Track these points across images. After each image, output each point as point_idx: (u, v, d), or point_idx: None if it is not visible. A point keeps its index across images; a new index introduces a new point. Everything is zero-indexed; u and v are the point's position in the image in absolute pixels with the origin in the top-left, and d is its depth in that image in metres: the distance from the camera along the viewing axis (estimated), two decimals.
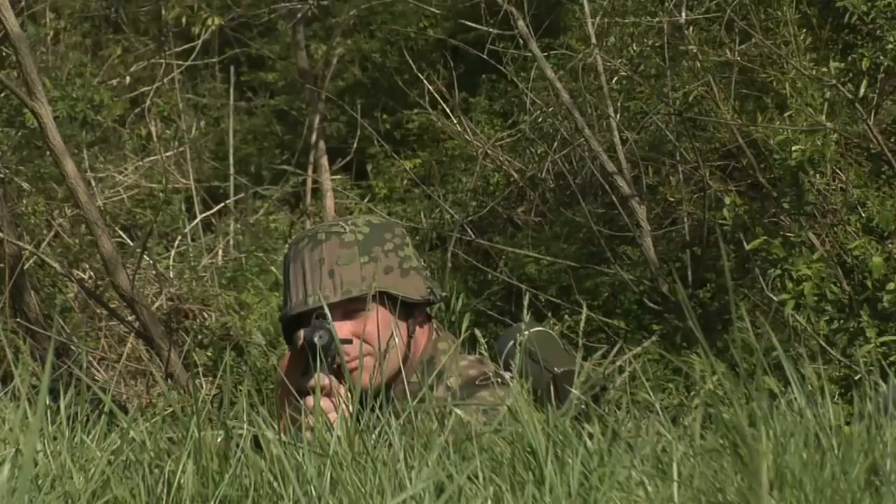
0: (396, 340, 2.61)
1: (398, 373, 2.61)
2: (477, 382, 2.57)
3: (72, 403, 2.14)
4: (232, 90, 9.75)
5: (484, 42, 7.20)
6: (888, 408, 2.41)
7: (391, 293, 2.61)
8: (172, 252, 8.38)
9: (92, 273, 7.68)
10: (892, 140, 5.62)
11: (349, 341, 2.56)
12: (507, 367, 2.61)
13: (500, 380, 2.53)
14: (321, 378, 2.43)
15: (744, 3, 5.83)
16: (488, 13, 7.00)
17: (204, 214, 8.81)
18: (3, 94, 7.69)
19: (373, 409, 2.12)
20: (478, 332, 2.76)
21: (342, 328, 2.56)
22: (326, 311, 2.42)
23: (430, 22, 9.45)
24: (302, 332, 2.50)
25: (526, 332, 2.61)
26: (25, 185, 7.84)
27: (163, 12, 9.53)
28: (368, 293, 2.58)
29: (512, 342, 2.64)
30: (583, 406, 2.10)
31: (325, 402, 2.42)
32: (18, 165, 7.90)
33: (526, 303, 2.51)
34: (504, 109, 8.99)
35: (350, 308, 2.58)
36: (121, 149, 9.11)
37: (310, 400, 2.43)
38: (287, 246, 2.88)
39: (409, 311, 2.65)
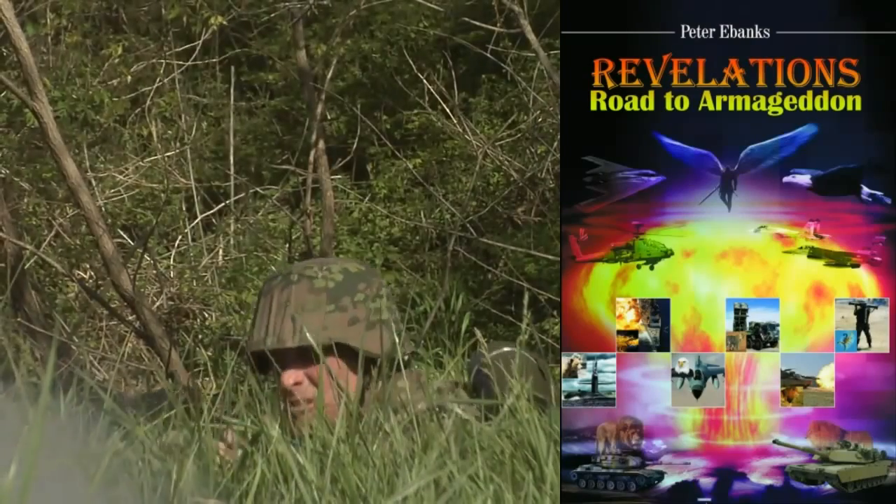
0: (348, 391, 2.55)
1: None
2: None
3: (73, 403, 2.15)
4: (232, 90, 9.75)
5: (484, 41, 7.20)
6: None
7: (350, 345, 2.57)
8: (173, 252, 8.38)
9: (93, 273, 7.68)
10: None
11: (298, 384, 2.55)
12: (476, 388, 2.57)
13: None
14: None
15: None
16: (490, 12, 7.00)
17: (204, 214, 8.81)
18: (3, 94, 7.69)
19: None
20: (478, 332, 2.75)
21: (293, 374, 2.56)
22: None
23: (430, 22, 9.45)
24: None
25: (492, 354, 2.55)
26: (26, 185, 7.84)
27: (163, 12, 9.53)
28: (324, 342, 2.52)
29: (475, 367, 2.59)
30: None
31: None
32: (19, 165, 7.90)
33: (526, 302, 2.50)
34: (504, 109, 8.99)
35: (307, 353, 2.54)
36: (121, 149, 9.11)
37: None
38: (264, 279, 2.86)
39: (369, 364, 2.58)
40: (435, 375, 2.64)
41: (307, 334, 2.54)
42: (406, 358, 2.64)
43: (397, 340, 2.62)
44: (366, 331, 2.60)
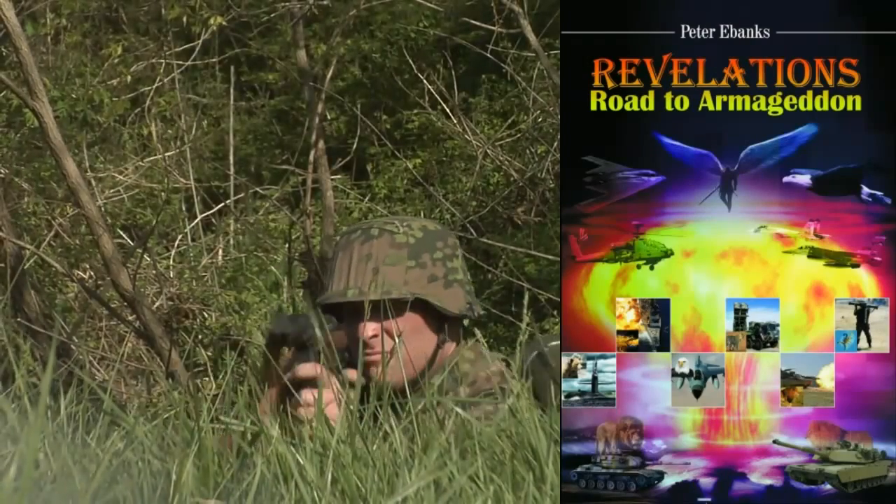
0: (424, 347, 2.63)
1: (418, 379, 2.62)
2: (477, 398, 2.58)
3: (72, 403, 2.15)
4: (232, 90, 9.75)
5: (483, 42, 7.20)
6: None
7: (429, 302, 2.62)
8: (172, 252, 8.38)
9: (92, 273, 7.68)
10: None
11: (376, 336, 2.59)
12: (529, 378, 2.62)
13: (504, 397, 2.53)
14: (311, 368, 2.44)
15: None
16: (490, 12, 7.00)
17: (204, 214, 8.81)
18: (3, 94, 7.70)
19: (392, 407, 2.13)
20: (478, 332, 2.76)
21: (372, 326, 2.59)
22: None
23: (430, 22, 9.45)
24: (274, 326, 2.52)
25: (548, 346, 2.61)
26: (25, 185, 7.84)
27: (163, 12, 9.53)
28: (405, 297, 2.59)
29: (534, 353, 2.65)
30: None
31: (321, 394, 2.40)
32: (19, 165, 7.90)
33: (526, 302, 2.51)
34: (504, 109, 9.00)
35: (386, 307, 2.60)
36: (121, 149, 9.11)
37: (305, 393, 2.44)
38: (339, 235, 2.92)
39: (443, 322, 2.66)
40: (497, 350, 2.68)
41: (390, 288, 2.59)
42: (476, 317, 2.68)
43: (472, 301, 2.67)
44: (444, 289, 2.64)
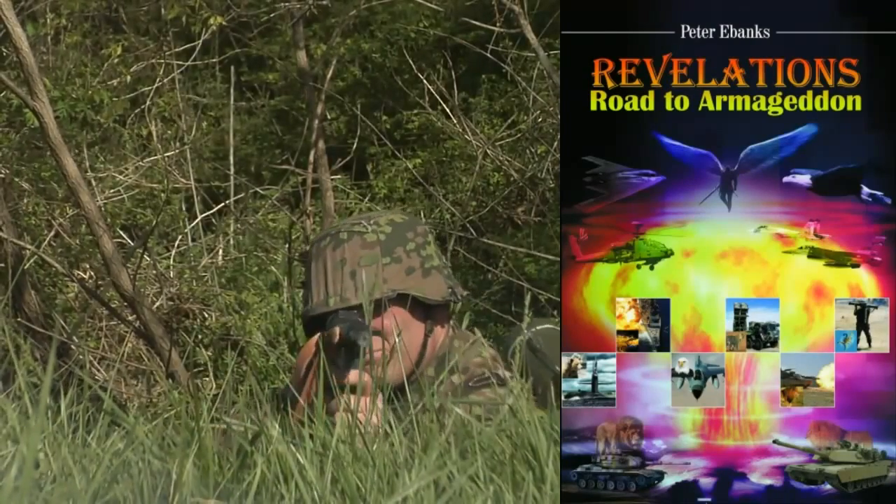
0: (413, 339, 2.64)
1: (414, 370, 2.64)
2: (470, 384, 2.59)
3: (73, 403, 2.15)
4: (232, 90, 9.75)
5: (483, 42, 7.20)
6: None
7: (412, 295, 2.62)
8: (172, 252, 8.38)
9: (92, 273, 7.68)
10: None
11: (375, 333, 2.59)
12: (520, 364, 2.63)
13: (498, 380, 2.54)
14: (356, 376, 2.44)
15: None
16: (490, 12, 7.00)
17: (204, 214, 8.80)
18: (3, 94, 7.70)
19: (391, 402, 2.14)
20: (477, 332, 2.76)
21: None
22: (368, 317, 2.44)
23: (430, 22, 9.45)
24: (338, 329, 2.50)
25: (533, 329, 2.63)
26: (26, 185, 7.84)
27: (163, 12, 9.53)
28: (388, 295, 2.59)
29: (518, 339, 2.66)
30: None
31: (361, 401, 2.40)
32: (19, 165, 7.90)
33: (527, 302, 2.51)
34: (504, 109, 9.00)
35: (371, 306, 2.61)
36: (121, 149, 9.11)
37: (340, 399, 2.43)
38: (310, 243, 2.91)
39: (428, 310, 2.67)
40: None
41: (371, 288, 2.60)
42: (459, 300, 2.69)
43: (452, 284, 2.68)
44: (423, 278, 2.64)
